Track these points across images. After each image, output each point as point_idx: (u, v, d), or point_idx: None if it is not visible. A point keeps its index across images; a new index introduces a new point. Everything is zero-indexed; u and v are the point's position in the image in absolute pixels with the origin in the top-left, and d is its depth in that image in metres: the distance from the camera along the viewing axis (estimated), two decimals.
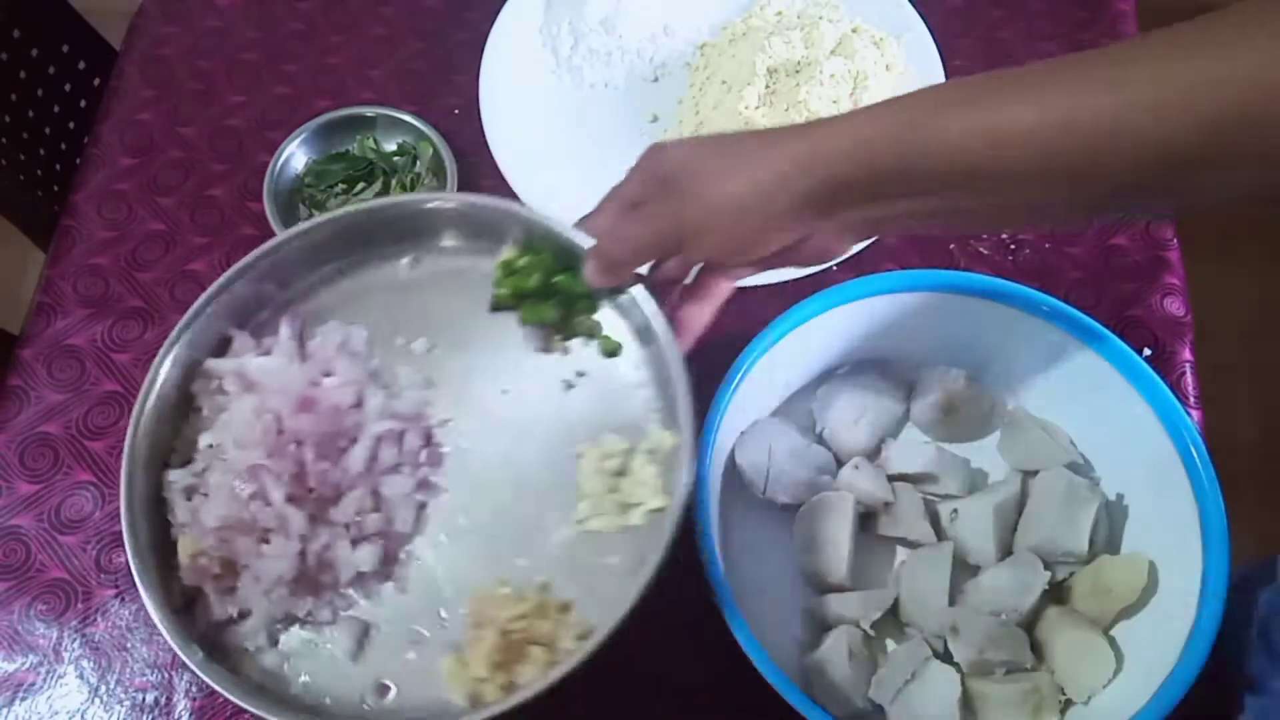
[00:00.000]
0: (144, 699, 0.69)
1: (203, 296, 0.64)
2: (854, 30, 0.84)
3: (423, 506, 0.64)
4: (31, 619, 0.71)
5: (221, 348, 0.66)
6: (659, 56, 0.89)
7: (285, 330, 0.66)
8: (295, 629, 0.61)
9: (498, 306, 0.67)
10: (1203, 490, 0.62)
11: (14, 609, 0.71)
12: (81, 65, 1.11)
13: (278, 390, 0.63)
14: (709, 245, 0.56)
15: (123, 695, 0.69)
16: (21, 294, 0.87)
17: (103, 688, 0.69)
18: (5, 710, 0.68)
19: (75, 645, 0.70)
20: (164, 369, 0.63)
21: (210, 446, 0.63)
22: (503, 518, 0.63)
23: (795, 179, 0.52)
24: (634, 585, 0.57)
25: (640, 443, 0.63)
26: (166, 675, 0.69)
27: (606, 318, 0.66)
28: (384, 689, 0.60)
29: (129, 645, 0.70)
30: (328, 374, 0.65)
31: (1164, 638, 0.61)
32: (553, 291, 0.65)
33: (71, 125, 1.11)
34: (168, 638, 0.57)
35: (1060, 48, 0.91)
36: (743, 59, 0.83)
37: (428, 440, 0.65)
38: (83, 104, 1.12)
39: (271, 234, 0.79)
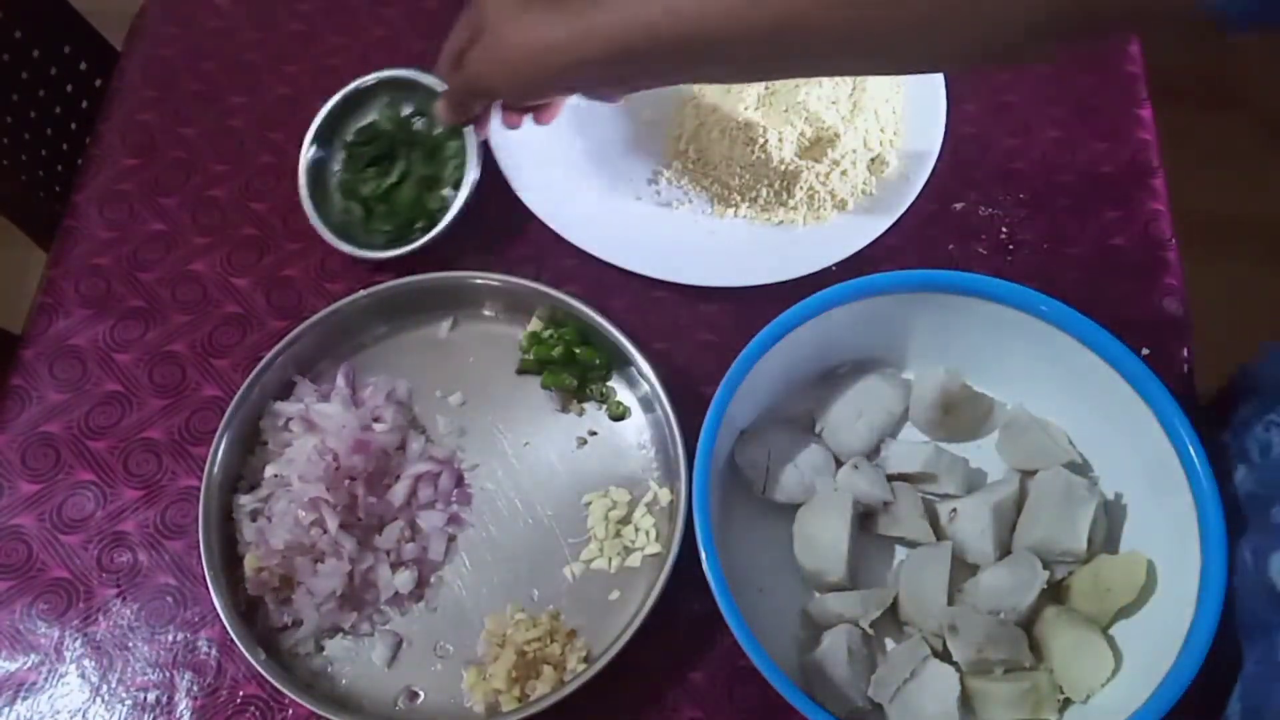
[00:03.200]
0: (145, 698, 0.69)
1: (276, 347, 0.74)
2: None
3: (453, 539, 0.73)
4: (33, 618, 0.71)
5: (285, 390, 0.75)
6: None
7: (341, 379, 0.76)
8: (339, 638, 0.70)
9: (524, 370, 0.77)
10: (1201, 489, 0.62)
11: (15, 608, 0.71)
12: (83, 66, 1.11)
13: (335, 432, 0.72)
14: (503, 93, 0.67)
15: (124, 694, 0.69)
16: (23, 294, 0.87)
17: (104, 687, 0.69)
18: (7, 709, 0.69)
19: (77, 644, 0.70)
20: (241, 407, 0.72)
21: (275, 476, 0.72)
22: (521, 552, 0.72)
23: (588, 48, 0.58)
24: (631, 619, 0.65)
25: (641, 495, 0.73)
26: (168, 674, 0.69)
27: (616, 387, 0.75)
28: (413, 695, 0.68)
29: (130, 644, 0.70)
30: (377, 419, 0.74)
31: (1162, 636, 0.61)
32: (573, 361, 0.75)
33: (73, 126, 1.12)
34: (235, 639, 0.65)
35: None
36: None
37: (459, 482, 0.74)
38: (84, 104, 1.12)
39: (274, 234, 0.79)
